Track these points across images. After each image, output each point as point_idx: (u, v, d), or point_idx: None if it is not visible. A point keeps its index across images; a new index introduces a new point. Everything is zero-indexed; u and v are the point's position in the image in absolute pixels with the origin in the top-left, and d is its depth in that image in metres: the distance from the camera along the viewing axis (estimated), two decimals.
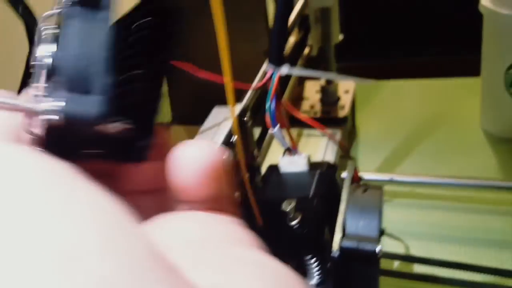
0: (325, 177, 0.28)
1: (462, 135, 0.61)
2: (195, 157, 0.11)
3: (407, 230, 0.49)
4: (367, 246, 0.22)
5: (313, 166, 0.29)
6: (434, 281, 0.38)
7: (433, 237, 0.47)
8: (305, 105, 0.61)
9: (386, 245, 0.47)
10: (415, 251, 0.46)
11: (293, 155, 0.29)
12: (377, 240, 0.22)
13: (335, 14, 0.51)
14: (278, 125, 0.29)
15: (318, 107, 0.59)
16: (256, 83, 0.31)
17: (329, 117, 0.57)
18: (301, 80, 0.64)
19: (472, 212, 0.49)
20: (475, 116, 0.62)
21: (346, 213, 0.24)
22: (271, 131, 0.29)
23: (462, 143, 0.60)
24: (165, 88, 0.67)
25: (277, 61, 0.28)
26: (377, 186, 0.26)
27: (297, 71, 0.29)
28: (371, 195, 0.25)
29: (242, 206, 0.24)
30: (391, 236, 0.48)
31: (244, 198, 0.24)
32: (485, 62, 0.56)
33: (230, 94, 0.18)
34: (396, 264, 0.43)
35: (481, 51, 0.56)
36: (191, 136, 0.29)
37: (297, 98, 0.62)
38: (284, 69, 0.29)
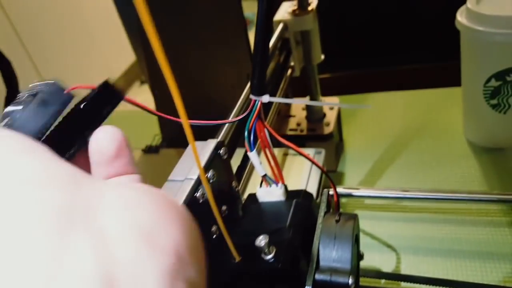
0: (301, 206, 0.29)
1: (446, 145, 0.62)
2: (107, 135, 0.17)
3: (393, 243, 0.49)
4: (340, 279, 0.23)
5: (290, 194, 0.30)
6: None
7: (419, 250, 0.48)
8: (292, 123, 0.62)
9: (373, 260, 0.48)
10: (402, 265, 0.47)
11: (270, 186, 0.30)
12: (349, 273, 0.23)
13: (315, 36, 0.52)
14: (255, 150, 0.30)
15: (304, 124, 0.60)
16: (233, 115, 0.32)
17: (315, 134, 0.58)
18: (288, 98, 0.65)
19: (456, 224, 0.50)
20: (459, 126, 0.64)
21: (319, 245, 0.25)
22: (248, 153, 0.30)
23: (447, 153, 0.61)
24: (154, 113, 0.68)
25: (259, 92, 0.29)
26: (350, 214, 0.27)
27: (278, 99, 0.30)
28: (344, 224, 0.26)
29: (219, 241, 0.25)
30: (377, 250, 0.49)
31: (220, 234, 0.25)
32: (465, 75, 0.57)
33: (188, 133, 0.19)
34: (382, 281, 0.44)
35: (460, 65, 0.57)
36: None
37: (285, 116, 0.64)
38: (265, 98, 0.30)
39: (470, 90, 0.56)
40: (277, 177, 0.31)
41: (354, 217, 0.27)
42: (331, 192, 0.34)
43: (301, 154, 0.28)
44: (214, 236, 0.26)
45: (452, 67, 0.60)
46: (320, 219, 0.27)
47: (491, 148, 0.59)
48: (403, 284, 0.44)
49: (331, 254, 0.24)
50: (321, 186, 0.48)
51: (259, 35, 0.26)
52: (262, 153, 0.31)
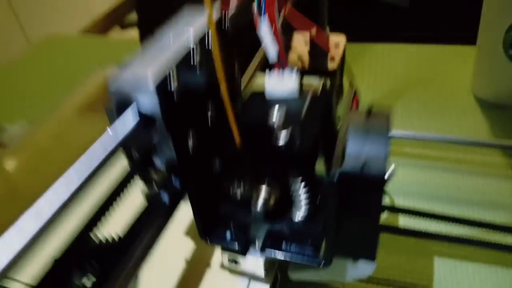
0: (319, 101, 0.23)
1: (452, 99, 0.58)
2: None
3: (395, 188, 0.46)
4: (373, 170, 0.18)
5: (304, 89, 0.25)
6: (427, 236, 0.35)
7: (421, 196, 0.45)
8: (293, 56, 0.56)
9: None
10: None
11: (281, 72, 0.24)
12: (385, 165, 0.18)
13: None
14: (267, 15, 0.24)
15: (306, 59, 0.55)
16: None
17: (317, 69, 0.53)
18: (289, 31, 0.59)
19: (460, 172, 0.47)
20: (467, 83, 0.60)
21: (347, 138, 0.20)
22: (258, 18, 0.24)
23: (452, 106, 0.57)
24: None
25: None
26: (384, 111, 0.22)
27: None
28: (377, 119, 0.21)
29: (221, 124, 0.20)
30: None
31: (222, 115, 0.19)
32: (484, 23, 0.52)
33: None
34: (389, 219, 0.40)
35: (481, 12, 0.52)
36: None
37: (285, 48, 0.57)
38: None
39: (488, 39, 0.52)
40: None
41: (388, 113, 0.21)
42: None
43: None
44: (209, 123, 0.21)
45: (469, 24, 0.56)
46: (345, 113, 0.21)
47: (501, 104, 0.55)
48: (401, 221, 0.41)
49: (362, 147, 0.19)
50: None
51: None
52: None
